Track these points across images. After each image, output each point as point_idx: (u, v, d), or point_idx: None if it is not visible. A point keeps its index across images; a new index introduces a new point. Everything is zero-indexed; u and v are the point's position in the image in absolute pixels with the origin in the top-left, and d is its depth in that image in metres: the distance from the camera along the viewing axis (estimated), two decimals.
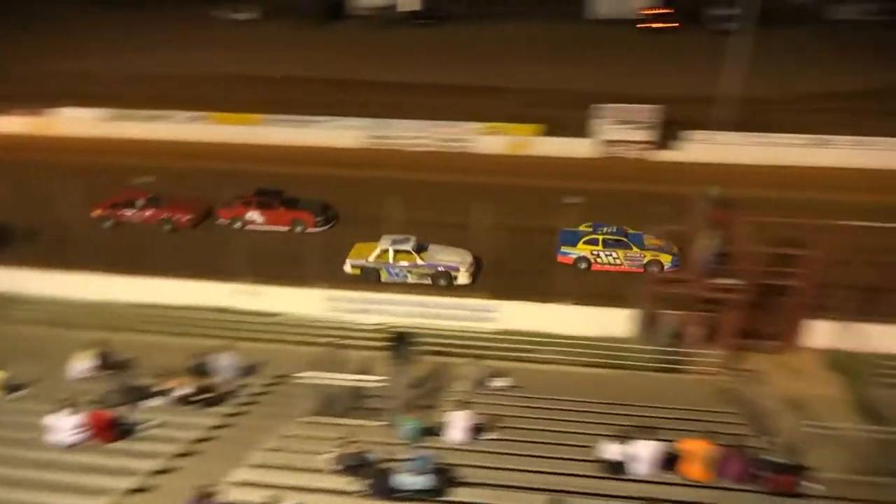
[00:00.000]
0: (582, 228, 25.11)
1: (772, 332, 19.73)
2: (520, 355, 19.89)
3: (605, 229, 24.90)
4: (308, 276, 21.63)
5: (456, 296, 22.07)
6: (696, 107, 36.30)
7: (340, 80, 46.27)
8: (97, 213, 27.23)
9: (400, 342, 15.84)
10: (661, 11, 64.32)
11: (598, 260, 24.47)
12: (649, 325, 19.82)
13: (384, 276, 23.79)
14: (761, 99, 39.41)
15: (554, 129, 35.59)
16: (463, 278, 23.62)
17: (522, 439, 14.71)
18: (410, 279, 23.73)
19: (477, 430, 14.71)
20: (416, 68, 48.98)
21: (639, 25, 63.59)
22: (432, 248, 24.27)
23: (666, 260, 24.23)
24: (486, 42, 58.17)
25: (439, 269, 23.63)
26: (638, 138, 33.93)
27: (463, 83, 45.15)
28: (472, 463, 13.54)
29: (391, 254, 23.63)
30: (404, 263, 23.67)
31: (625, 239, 24.47)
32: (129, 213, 27.36)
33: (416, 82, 45.36)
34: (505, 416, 15.61)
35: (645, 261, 24.25)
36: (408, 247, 23.71)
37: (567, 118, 35.95)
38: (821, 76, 46.77)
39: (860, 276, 20.74)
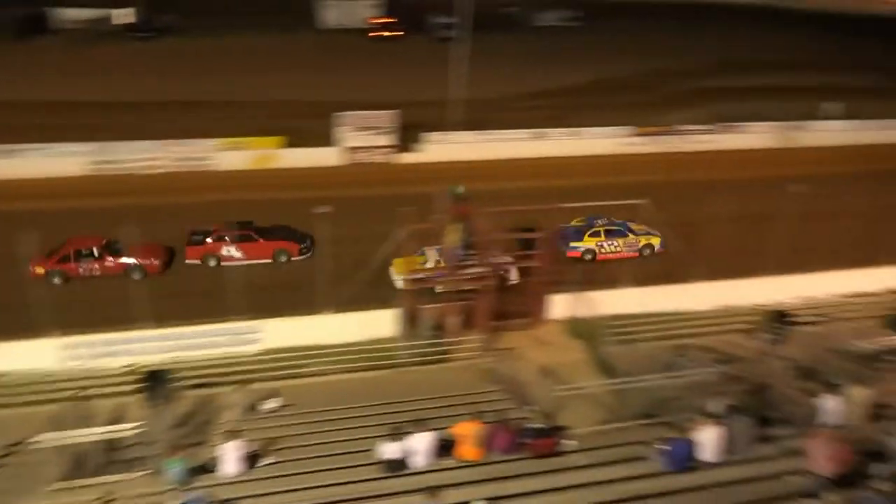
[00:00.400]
0: (575, 223, 26.73)
1: (520, 311, 21.51)
2: (289, 372, 19.40)
3: (599, 221, 26.63)
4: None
5: (213, 321, 20.80)
6: (429, 110, 38.30)
7: (50, 102, 41.20)
8: (39, 270, 23.14)
9: (154, 381, 14.62)
10: (386, 20, 66.88)
11: (602, 250, 26.11)
12: (411, 321, 20.49)
13: (439, 287, 22.53)
14: (485, 100, 42.73)
15: (297, 140, 35.27)
16: (514, 276, 23.34)
17: (301, 457, 14.41)
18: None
19: (252, 458, 14.08)
20: (139, 85, 45.32)
21: (369, 34, 65.50)
22: None
23: (656, 241, 26.59)
24: (213, 54, 55.76)
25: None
26: (380, 143, 34.92)
27: (194, 99, 42.78)
28: (252, 493, 12.96)
29: (444, 263, 22.60)
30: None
31: (622, 228, 26.52)
32: (84, 264, 23.68)
33: (141, 101, 42.00)
34: (281, 437, 15.15)
35: (640, 245, 26.56)
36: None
37: (309, 128, 35.84)
38: (532, 76, 51.99)
39: None
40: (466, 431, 13.84)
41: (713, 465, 13.61)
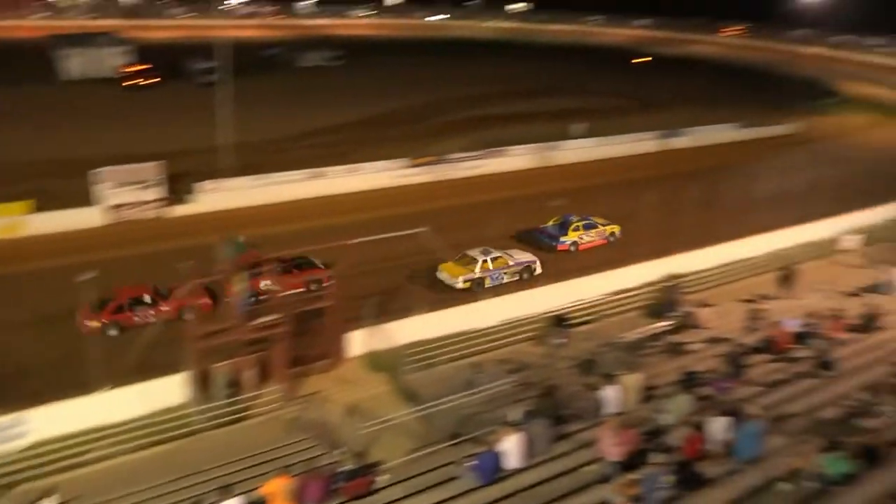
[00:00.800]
0: (552, 223, 31.04)
1: (319, 353, 21.09)
2: (67, 463, 17.14)
3: (573, 218, 30.85)
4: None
5: None
6: (199, 158, 36.69)
7: None
8: (94, 323, 22.21)
9: None
10: (140, 68, 63.10)
11: (583, 240, 30.53)
12: (203, 382, 19.21)
13: (487, 283, 26.50)
14: (258, 143, 41.87)
15: (49, 203, 31.56)
16: (538, 269, 27.51)
17: None
18: (505, 279, 26.73)
19: None
20: None
21: (122, 83, 61.29)
22: (499, 252, 27.43)
23: (616, 229, 31.40)
24: None
25: (524, 265, 27.28)
26: (148, 198, 32.58)
27: None
28: None
29: (490, 262, 26.48)
30: (502, 267, 26.73)
31: (591, 221, 31.11)
32: (140, 312, 23.16)
33: None
34: None
35: (607, 233, 31.26)
36: (499, 253, 27.24)
37: (62, 189, 32.43)
38: (303, 116, 51.96)
39: (372, 284, 23.87)
40: (276, 489, 13.19)
41: (519, 471, 14.30)
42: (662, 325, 22.72)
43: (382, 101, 59.09)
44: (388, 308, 22.59)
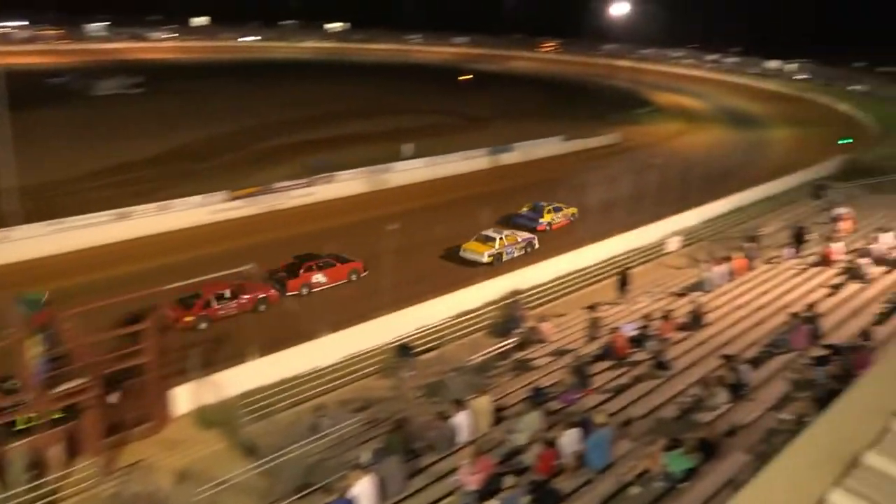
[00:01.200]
0: (526, 209, 36.81)
1: (140, 416, 18.80)
2: None
3: (543, 204, 36.67)
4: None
5: None
6: None
7: None
8: (188, 319, 24.43)
9: None
10: None
11: (555, 221, 36.26)
12: None
13: (504, 257, 30.97)
14: (47, 184, 37.43)
15: None
16: (537, 244, 32.71)
17: None
18: (516, 253, 31.43)
19: None
20: None
21: None
22: (508, 231, 32.69)
23: (575, 210, 36.99)
24: None
25: (527, 241, 32.41)
26: None
27: None
28: None
29: (505, 240, 31.19)
30: (513, 243, 31.65)
31: (558, 205, 36.79)
32: (223, 306, 25.52)
33: None
34: None
35: (570, 214, 37.08)
36: (510, 231, 32.55)
37: None
38: (102, 151, 47.29)
39: (192, 333, 21.87)
40: None
41: None
42: (507, 343, 22.73)
43: (192, 130, 55.53)
44: (210, 359, 20.68)
